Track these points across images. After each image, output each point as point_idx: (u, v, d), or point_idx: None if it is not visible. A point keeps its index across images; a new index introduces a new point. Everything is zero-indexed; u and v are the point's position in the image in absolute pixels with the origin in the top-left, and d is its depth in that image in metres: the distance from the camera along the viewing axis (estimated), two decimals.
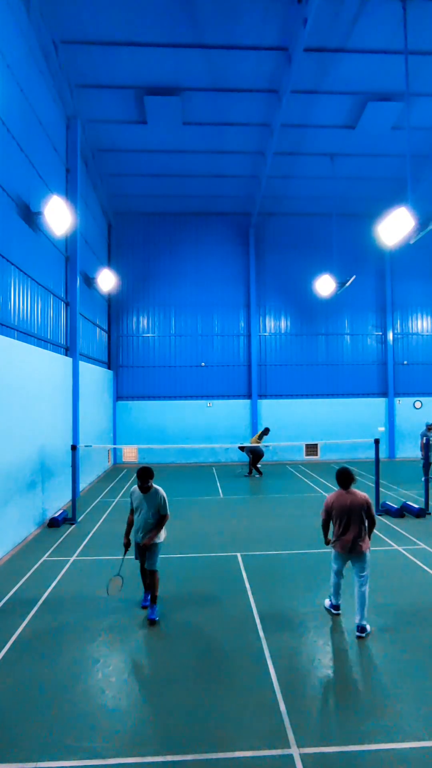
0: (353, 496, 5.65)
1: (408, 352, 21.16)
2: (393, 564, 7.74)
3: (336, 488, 6.19)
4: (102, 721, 4.07)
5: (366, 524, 5.65)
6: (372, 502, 5.74)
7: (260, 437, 17.03)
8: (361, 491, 5.76)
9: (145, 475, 5.81)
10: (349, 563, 5.79)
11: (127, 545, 6.07)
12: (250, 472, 16.78)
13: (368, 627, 5.51)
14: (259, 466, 17.13)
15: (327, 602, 6.13)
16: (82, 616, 6.01)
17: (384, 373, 21.00)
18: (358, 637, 5.39)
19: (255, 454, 16.69)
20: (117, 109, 13.65)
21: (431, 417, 20.27)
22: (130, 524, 6.07)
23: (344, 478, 5.70)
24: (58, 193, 12.53)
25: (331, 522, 5.77)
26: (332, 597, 6.03)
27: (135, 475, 6.19)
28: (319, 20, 10.36)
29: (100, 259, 18.44)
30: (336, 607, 5.99)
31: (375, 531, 9.59)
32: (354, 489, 5.74)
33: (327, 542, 5.85)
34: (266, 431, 17.09)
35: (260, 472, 16.71)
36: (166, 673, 4.78)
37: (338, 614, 5.94)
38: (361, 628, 5.43)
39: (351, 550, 5.59)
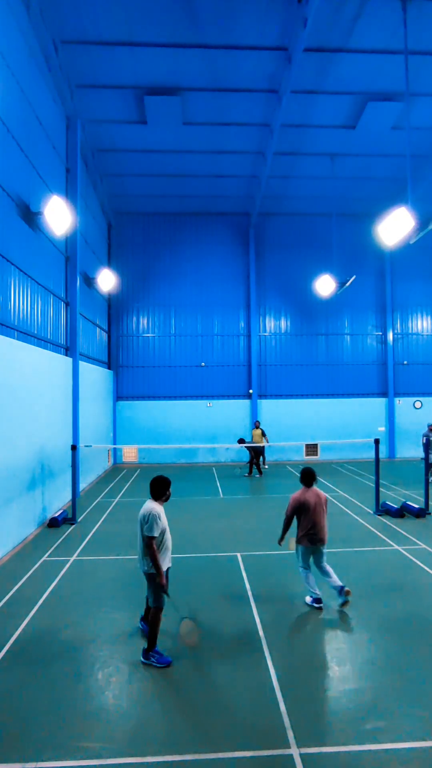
0: (316, 492, 6.30)
1: (408, 352, 21.16)
2: (393, 564, 7.74)
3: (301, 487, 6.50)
4: (102, 721, 4.07)
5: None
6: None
7: (263, 434, 17.17)
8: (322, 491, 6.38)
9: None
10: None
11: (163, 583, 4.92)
12: (251, 471, 16.74)
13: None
14: (263, 465, 17.22)
15: (308, 599, 6.29)
16: (82, 616, 6.01)
17: (384, 373, 21.00)
18: (345, 602, 5.96)
19: (256, 451, 16.68)
20: (117, 109, 13.65)
21: (431, 417, 20.26)
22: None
23: (309, 476, 6.32)
24: (58, 193, 12.53)
25: (296, 518, 6.26)
26: (312, 591, 6.25)
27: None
28: (319, 20, 10.35)
29: (100, 259, 18.44)
30: (318, 600, 6.20)
31: (375, 531, 9.61)
32: (315, 487, 6.36)
33: (281, 541, 6.32)
34: (257, 425, 17.72)
35: (261, 471, 16.71)
36: (166, 673, 4.78)
37: (320, 607, 6.12)
38: (344, 589, 5.97)
39: (318, 541, 6.13)
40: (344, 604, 5.99)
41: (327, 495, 6.30)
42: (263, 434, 17.21)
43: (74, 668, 4.85)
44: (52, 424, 11.31)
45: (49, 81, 11.84)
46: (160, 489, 5.11)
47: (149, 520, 4.88)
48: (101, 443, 17.24)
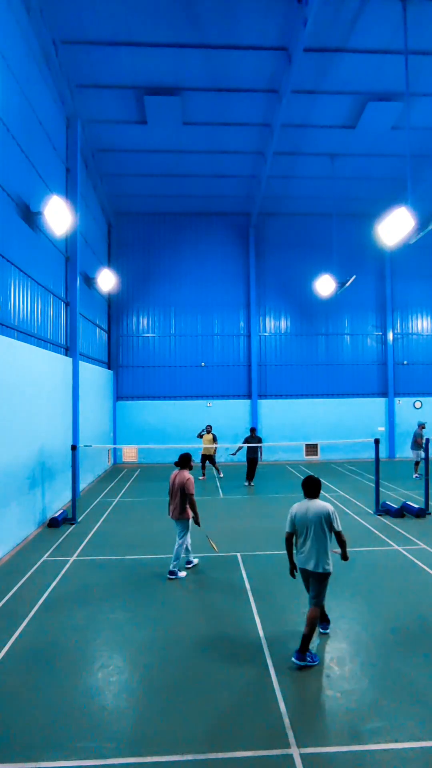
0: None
1: (408, 352, 21.16)
2: (393, 564, 7.74)
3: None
4: (102, 721, 4.07)
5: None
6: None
7: (214, 439, 16.09)
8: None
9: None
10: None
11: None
12: (252, 478, 15.11)
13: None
14: (218, 474, 16.35)
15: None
16: (82, 616, 6.01)
17: (384, 373, 21.00)
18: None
19: (206, 456, 16.17)
20: (117, 109, 13.65)
21: (431, 417, 20.25)
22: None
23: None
24: (58, 193, 12.53)
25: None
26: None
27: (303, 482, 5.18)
28: (319, 20, 10.35)
29: (100, 259, 18.43)
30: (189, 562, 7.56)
31: (375, 531, 9.61)
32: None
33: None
34: (209, 429, 16.45)
35: (204, 474, 16.05)
36: (166, 672, 4.78)
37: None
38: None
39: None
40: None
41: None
42: (214, 439, 16.10)
43: (74, 668, 4.85)
44: (52, 424, 11.31)
45: (49, 81, 11.84)
46: (317, 489, 5.09)
47: (336, 515, 4.89)
48: (101, 443, 17.24)
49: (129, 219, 20.61)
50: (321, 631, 5.44)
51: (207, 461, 16.47)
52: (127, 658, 5.06)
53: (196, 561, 7.76)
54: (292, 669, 4.78)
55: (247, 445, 14.31)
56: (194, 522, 7.36)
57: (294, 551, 5.08)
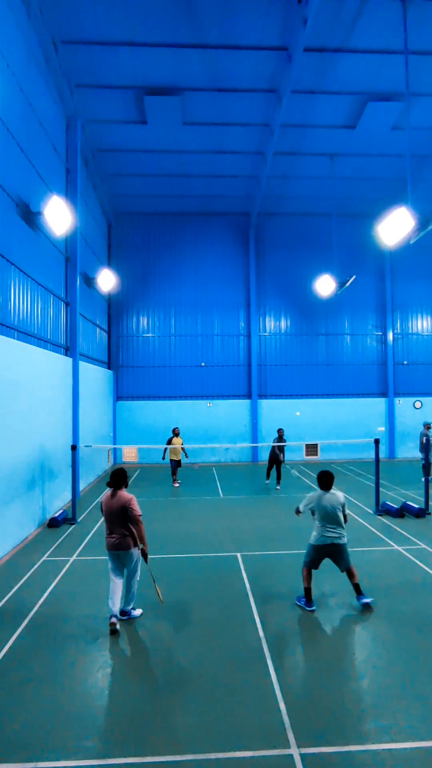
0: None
1: (408, 352, 21.16)
2: (393, 564, 7.74)
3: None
4: (102, 721, 4.07)
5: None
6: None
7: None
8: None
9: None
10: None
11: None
12: (279, 480, 14.46)
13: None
14: (174, 483, 15.00)
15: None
16: (82, 616, 6.01)
17: (384, 373, 21.00)
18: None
19: (175, 460, 14.95)
20: (117, 109, 13.65)
21: (431, 417, 20.27)
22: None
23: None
24: (58, 193, 12.53)
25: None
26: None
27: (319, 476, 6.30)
28: (319, 20, 10.35)
29: (100, 259, 18.43)
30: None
31: (375, 531, 9.61)
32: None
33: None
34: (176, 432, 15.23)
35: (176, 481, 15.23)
36: (167, 673, 4.78)
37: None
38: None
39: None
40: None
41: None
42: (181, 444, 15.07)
43: (74, 668, 4.85)
44: (52, 424, 11.31)
45: (49, 81, 11.84)
46: (332, 481, 6.24)
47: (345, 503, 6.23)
48: (101, 443, 17.24)
49: (129, 219, 20.61)
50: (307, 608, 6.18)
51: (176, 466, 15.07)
52: (128, 659, 5.05)
53: (139, 612, 6.01)
54: (293, 669, 4.78)
55: (245, 444, 14.31)
56: (142, 554, 5.75)
57: (314, 533, 6.17)
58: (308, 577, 6.15)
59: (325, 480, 6.15)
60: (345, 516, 6.16)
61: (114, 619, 5.56)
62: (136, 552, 5.74)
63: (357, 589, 6.08)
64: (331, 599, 6.35)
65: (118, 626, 5.54)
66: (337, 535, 5.98)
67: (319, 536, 6.04)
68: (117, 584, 5.74)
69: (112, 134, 14.89)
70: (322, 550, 6.05)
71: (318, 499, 6.09)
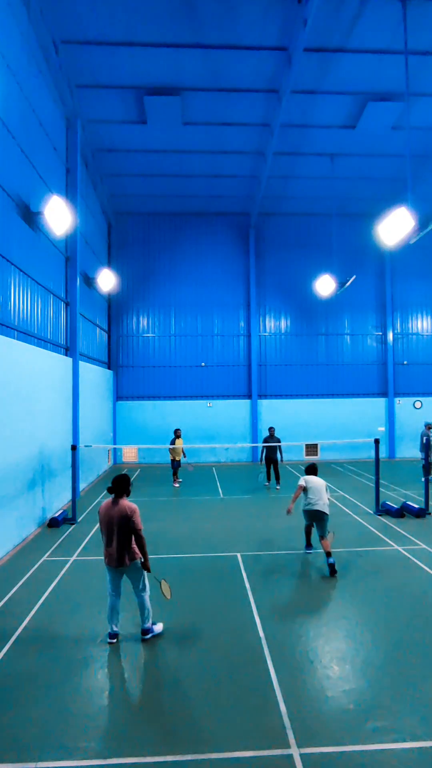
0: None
1: (408, 352, 21.16)
2: (393, 564, 7.74)
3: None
4: (102, 721, 4.07)
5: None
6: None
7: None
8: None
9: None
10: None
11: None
12: (278, 479, 14.41)
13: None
14: (175, 482, 15.10)
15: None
16: (82, 616, 6.01)
17: (384, 373, 21.00)
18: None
19: (176, 460, 15.03)
20: (117, 109, 13.65)
21: (431, 417, 20.27)
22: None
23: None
24: (58, 193, 12.53)
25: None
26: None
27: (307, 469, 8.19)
28: (319, 20, 10.35)
29: (100, 259, 18.44)
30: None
31: (375, 531, 9.62)
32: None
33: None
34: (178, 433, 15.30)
35: (177, 480, 15.34)
36: (167, 672, 4.78)
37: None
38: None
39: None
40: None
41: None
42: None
43: (74, 668, 4.85)
44: (52, 424, 11.31)
45: (49, 81, 11.84)
46: (316, 470, 8.19)
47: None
48: (101, 443, 17.23)
49: (129, 219, 20.61)
50: (306, 551, 8.33)
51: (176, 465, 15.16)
52: (128, 659, 5.06)
53: (160, 627, 5.66)
54: (293, 669, 4.78)
55: (240, 445, 14.27)
56: (143, 566, 5.41)
57: (305, 503, 7.84)
58: (308, 533, 8.32)
59: (312, 469, 8.14)
60: (327, 496, 7.83)
61: (113, 640, 5.36)
62: (135, 566, 5.38)
63: (328, 554, 7.39)
64: (331, 601, 6.34)
65: (147, 636, 5.41)
66: (322, 504, 7.62)
67: (308, 504, 7.70)
68: (116, 601, 5.48)
69: (112, 134, 14.88)
70: (312, 514, 7.69)
71: (310, 479, 7.89)
